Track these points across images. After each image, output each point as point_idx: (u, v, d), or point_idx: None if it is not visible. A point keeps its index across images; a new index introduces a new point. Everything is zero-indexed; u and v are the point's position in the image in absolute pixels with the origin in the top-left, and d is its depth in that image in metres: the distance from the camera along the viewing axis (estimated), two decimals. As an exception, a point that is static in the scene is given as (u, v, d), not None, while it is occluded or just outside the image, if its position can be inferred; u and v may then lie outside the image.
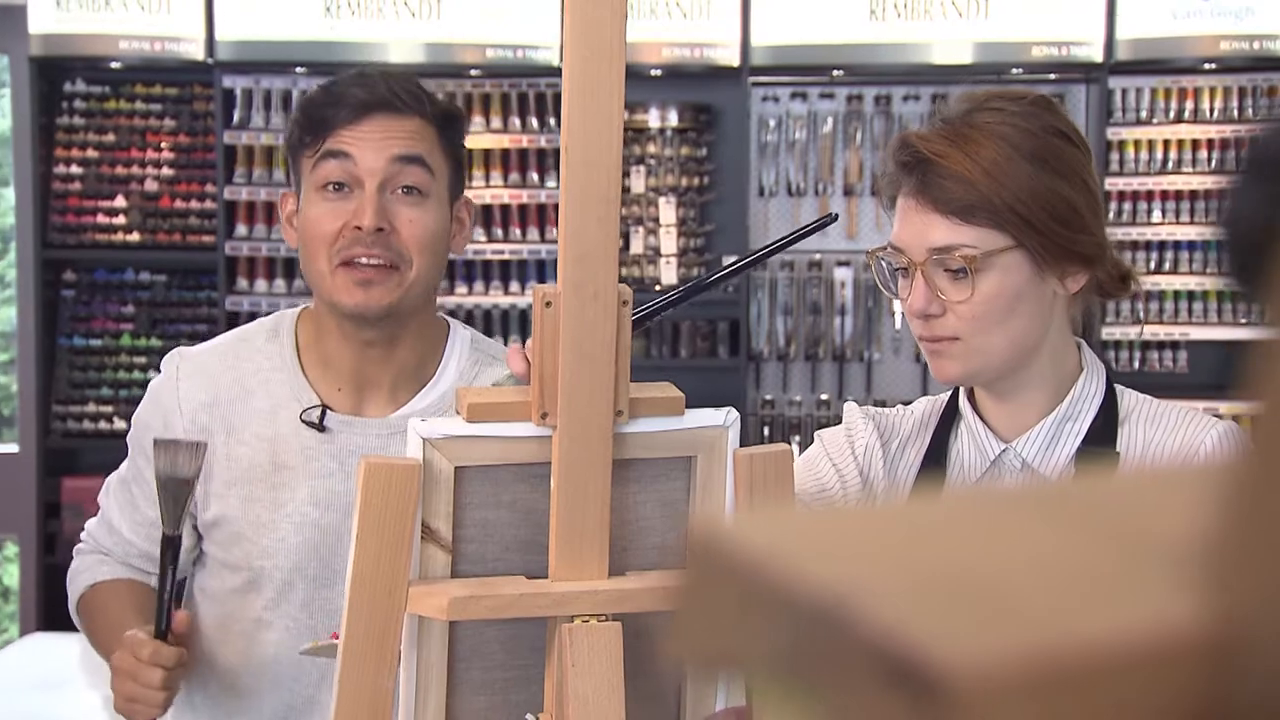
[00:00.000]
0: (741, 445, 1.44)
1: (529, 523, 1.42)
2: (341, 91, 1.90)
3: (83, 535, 2.10)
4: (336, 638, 1.90)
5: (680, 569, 0.35)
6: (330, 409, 1.94)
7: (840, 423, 1.83)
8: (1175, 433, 1.65)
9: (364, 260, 1.86)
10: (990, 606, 0.30)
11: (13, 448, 6.31)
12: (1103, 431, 1.65)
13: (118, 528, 2.04)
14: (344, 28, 5.81)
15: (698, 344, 5.96)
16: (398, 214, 1.87)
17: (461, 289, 5.90)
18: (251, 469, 1.92)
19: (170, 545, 1.77)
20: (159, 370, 2.02)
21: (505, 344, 2.11)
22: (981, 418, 1.70)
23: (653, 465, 1.45)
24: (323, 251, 1.87)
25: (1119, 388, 1.70)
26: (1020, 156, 1.57)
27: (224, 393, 1.95)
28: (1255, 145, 0.29)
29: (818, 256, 6.03)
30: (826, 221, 1.62)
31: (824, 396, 6.05)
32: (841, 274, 6.02)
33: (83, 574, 2.05)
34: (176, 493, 1.76)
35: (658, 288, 5.88)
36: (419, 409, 1.94)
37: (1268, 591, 0.28)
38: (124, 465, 2.06)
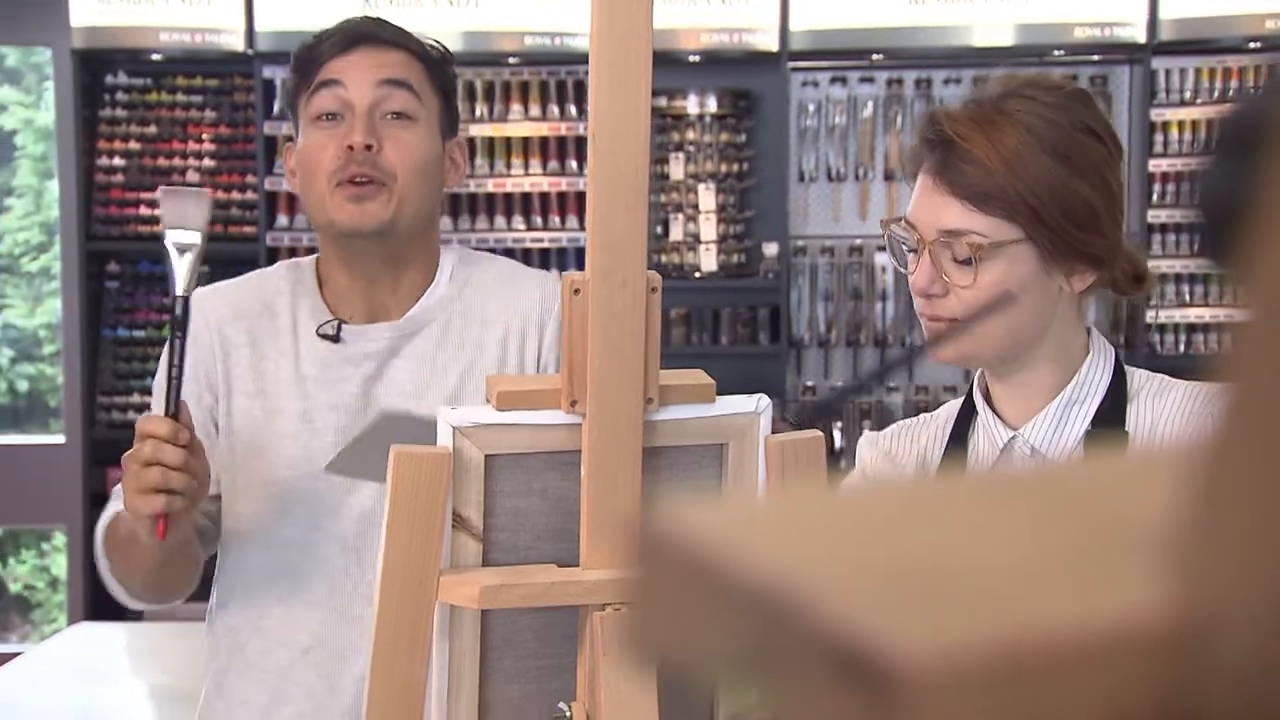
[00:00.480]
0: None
1: (560, 511, 1.42)
2: (329, 32, 2.06)
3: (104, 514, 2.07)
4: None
5: (632, 560, 0.34)
6: (344, 322, 2.02)
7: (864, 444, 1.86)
8: (1183, 405, 1.63)
9: (356, 179, 1.94)
10: (950, 596, 0.29)
11: (59, 438, 6.36)
12: (1111, 412, 1.64)
13: None
14: (383, 16, 5.81)
15: (738, 331, 5.94)
16: (386, 135, 1.97)
17: (501, 277, 5.90)
18: (276, 382, 1.99)
19: (177, 307, 1.76)
20: None
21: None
22: (993, 408, 1.70)
23: (684, 453, 1.44)
24: (320, 176, 1.96)
25: (1129, 368, 1.68)
26: (1041, 149, 1.56)
27: (247, 309, 2.03)
28: (1226, 123, 0.28)
29: (858, 242, 6.00)
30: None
31: (865, 382, 6.03)
32: (882, 259, 5.98)
33: (105, 516, 2.03)
34: (184, 247, 1.77)
35: (697, 274, 5.87)
36: (425, 307, 2.02)
37: (1235, 577, 0.28)
38: None
